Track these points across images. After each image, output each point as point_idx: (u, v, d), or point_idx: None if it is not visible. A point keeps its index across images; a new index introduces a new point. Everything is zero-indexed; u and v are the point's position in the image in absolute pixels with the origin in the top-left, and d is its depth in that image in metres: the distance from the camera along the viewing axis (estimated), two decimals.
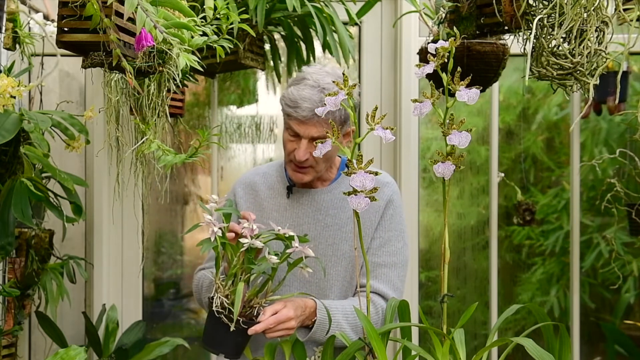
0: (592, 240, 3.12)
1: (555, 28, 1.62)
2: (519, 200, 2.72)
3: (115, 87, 2.06)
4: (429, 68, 1.23)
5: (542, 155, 3.23)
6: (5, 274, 2.08)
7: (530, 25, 1.67)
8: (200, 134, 1.56)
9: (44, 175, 2.06)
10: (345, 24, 2.25)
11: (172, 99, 2.35)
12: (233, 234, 1.50)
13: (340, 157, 1.78)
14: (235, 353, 1.48)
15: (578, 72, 1.63)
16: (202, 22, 1.59)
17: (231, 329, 1.42)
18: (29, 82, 2.50)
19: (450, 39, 1.23)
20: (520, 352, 1.64)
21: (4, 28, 1.96)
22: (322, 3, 2.13)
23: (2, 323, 2.07)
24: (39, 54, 2.24)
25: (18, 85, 1.73)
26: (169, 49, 1.45)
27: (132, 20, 1.34)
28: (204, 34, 1.56)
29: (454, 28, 1.92)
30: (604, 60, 1.63)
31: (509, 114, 3.18)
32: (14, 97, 1.73)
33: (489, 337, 1.36)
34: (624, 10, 1.70)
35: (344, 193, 1.29)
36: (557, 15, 1.62)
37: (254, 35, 2.02)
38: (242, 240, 1.45)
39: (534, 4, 1.71)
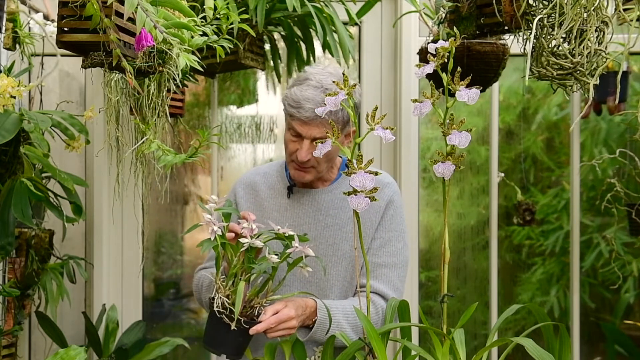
0: (592, 240, 3.12)
1: (555, 28, 1.62)
2: (519, 200, 2.72)
3: (115, 87, 2.05)
4: (429, 68, 1.23)
5: (542, 155, 3.23)
6: (5, 274, 2.08)
7: (530, 25, 1.67)
8: (200, 134, 1.56)
9: (44, 175, 2.06)
10: (345, 24, 2.25)
11: (172, 99, 2.35)
12: (233, 234, 1.50)
13: (341, 157, 1.78)
14: (236, 353, 1.48)
15: (578, 72, 1.63)
16: (202, 22, 1.59)
17: (232, 329, 1.42)
18: (29, 82, 2.50)
19: (450, 39, 1.23)
20: (520, 352, 1.64)
21: (4, 28, 1.96)
22: (322, 3, 2.13)
23: (2, 323, 2.07)
24: (39, 54, 2.24)
25: (18, 85, 1.73)
26: (169, 49, 1.45)
27: (132, 20, 1.34)
28: (204, 34, 1.56)
29: (454, 28, 1.92)
30: (604, 60, 1.63)
31: (509, 114, 3.18)
32: (14, 97, 1.73)
33: (489, 337, 1.36)
34: (624, 10, 1.70)
35: (344, 193, 1.28)
36: (557, 15, 1.62)
37: (254, 35, 2.02)
38: (242, 240, 1.45)
39: (534, 4, 1.71)
